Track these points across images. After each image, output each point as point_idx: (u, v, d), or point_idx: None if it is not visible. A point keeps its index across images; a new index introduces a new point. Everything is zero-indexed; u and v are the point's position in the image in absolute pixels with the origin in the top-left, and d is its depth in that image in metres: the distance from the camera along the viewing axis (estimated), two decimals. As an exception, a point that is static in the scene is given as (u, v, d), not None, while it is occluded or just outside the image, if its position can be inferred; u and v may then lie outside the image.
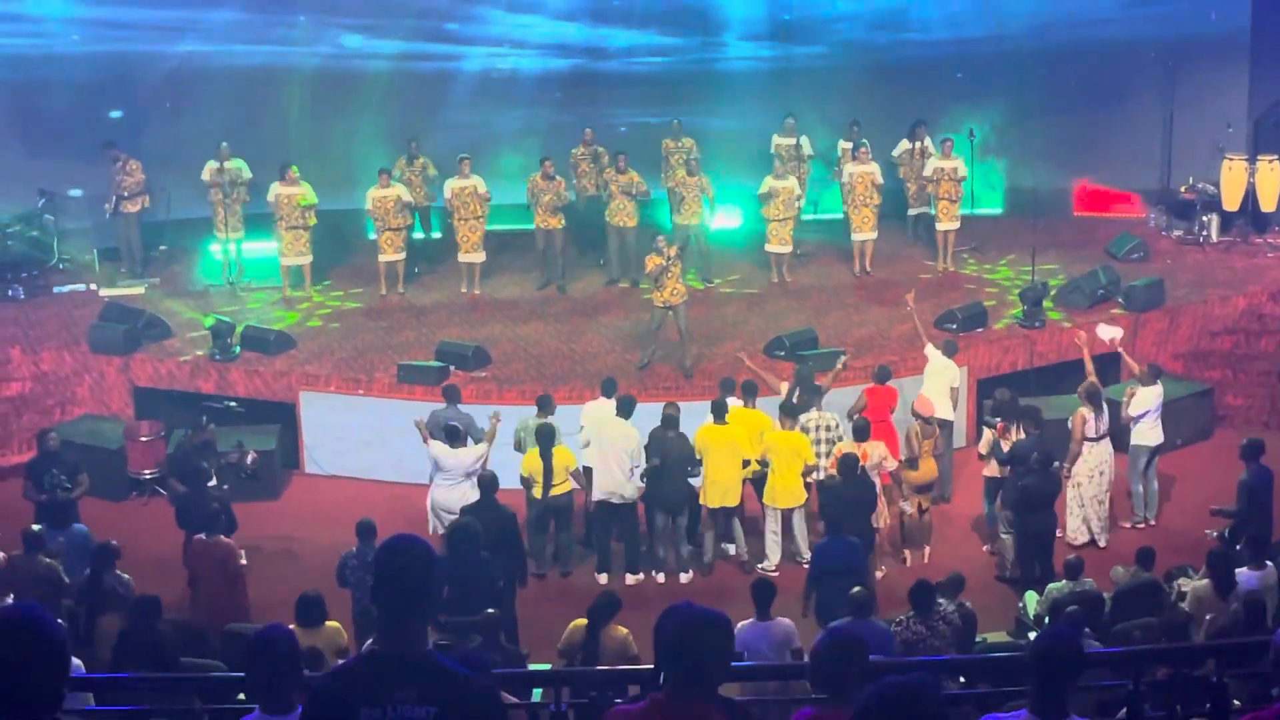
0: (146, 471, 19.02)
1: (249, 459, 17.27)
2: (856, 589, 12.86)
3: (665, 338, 20.09)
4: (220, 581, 14.73)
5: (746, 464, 16.86)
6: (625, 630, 12.40)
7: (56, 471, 16.50)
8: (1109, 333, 19.13)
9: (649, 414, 17.19)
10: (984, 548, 17.59)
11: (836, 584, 13.74)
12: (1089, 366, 17.82)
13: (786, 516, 16.88)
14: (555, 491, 16.65)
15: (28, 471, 16.91)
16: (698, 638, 5.44)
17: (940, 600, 12.74)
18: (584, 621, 12.40)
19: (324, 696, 5.19)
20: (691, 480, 16.98)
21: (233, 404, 19.95)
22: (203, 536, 14.86)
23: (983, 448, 17.35)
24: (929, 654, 12.02)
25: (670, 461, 16.68)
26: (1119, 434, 17.58)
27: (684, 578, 16.96)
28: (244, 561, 14.86)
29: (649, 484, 16.89)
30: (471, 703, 5.05)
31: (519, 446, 17.15)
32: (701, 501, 16.92)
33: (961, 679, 11.27)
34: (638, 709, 5.54)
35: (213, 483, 16.61)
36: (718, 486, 16.73)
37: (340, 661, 12.22)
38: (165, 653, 11.81)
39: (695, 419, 17.04)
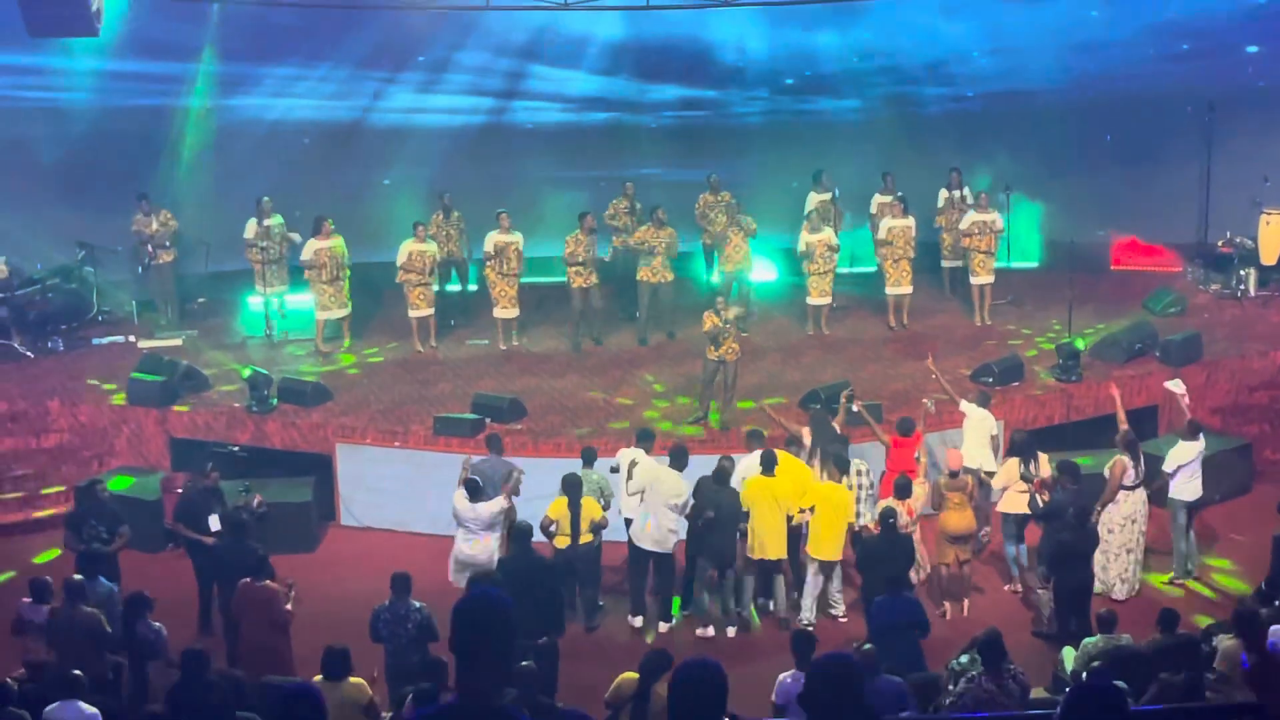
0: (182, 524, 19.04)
1: (255, 502, 17.28)
2: (865, 646, 12.85)
3: (718, 391, 20.09)
4: (265, 628, 14.65)
5: (790, 517, 16.81)
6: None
7: (95, 523, 16.53)
8: (1177, 387, 19.04)
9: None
10: (1006, 587, 17.56)
11: (899, 639, 13.73)
12: (1121, 417, 17.80)
13: (828, 570, 16.81)
14: (566, 544, 16.59)
15: (67, 521, 16.94)
16: (704, 692, 5.56)
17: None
18: (634, 675, 12.35)
19: None
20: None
21: (236, 449, 20.01)
22: (248, 581, 14.82)
23: (999, 481, 17.34)
24: (999, 712, 11.88)
25: (722, 514, 16.64)
26: (1156, 488, 17.56)
27: (730, 631, 16.90)
28: (290, 607, 14.79)
29: (698, 535, 16.83)
30: None
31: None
32: (749, 554, 16.84)
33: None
34: None
35: (218, 528, 16.72)
36: (762, 538, 16.66)
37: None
38: (219, 705, 11.83)
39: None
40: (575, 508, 16.53)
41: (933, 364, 19.14)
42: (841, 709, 5.59)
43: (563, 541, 16.61)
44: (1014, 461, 17.32)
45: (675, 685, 5.67)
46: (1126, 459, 17.01)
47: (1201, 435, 17.77)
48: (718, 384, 19.90)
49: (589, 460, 17.41)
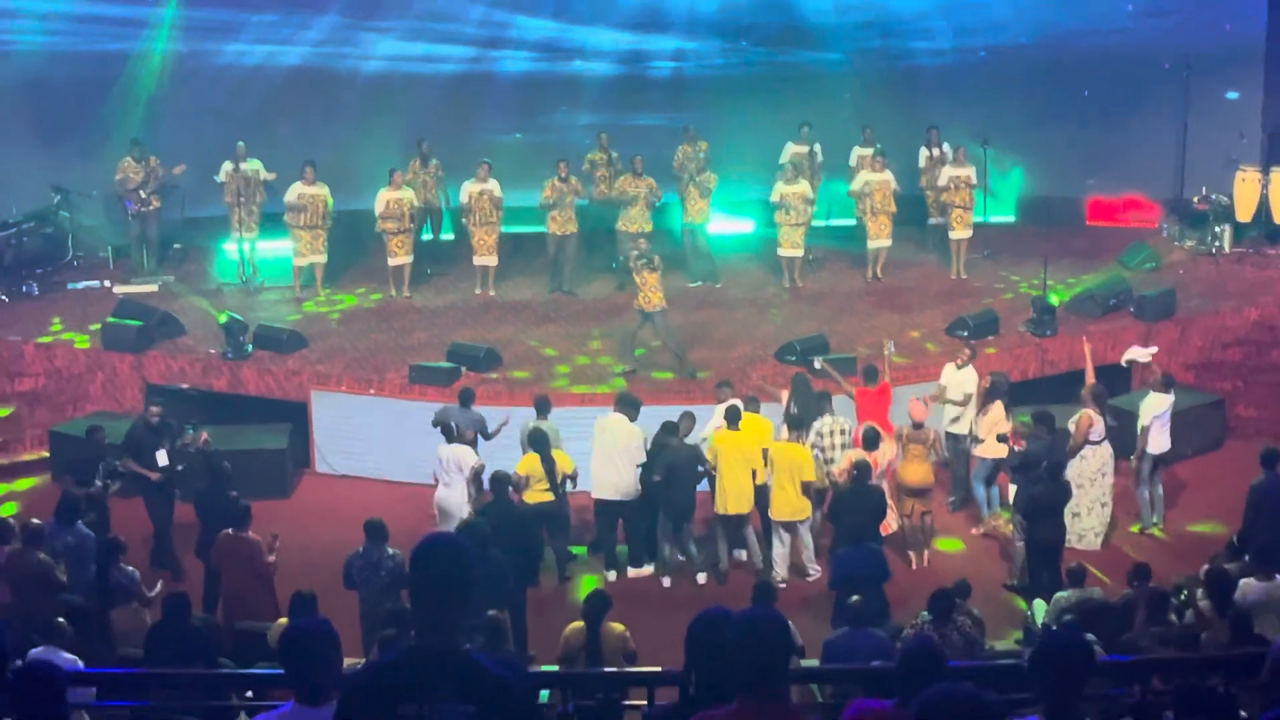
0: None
1: (201, 440, 17.32)
2: (854, 598, 12.93)
3: (644, 341, 20.15)
4: (247, 579, 14.67)
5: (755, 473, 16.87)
6: (621, 627, 12.44)
7: (111, 460, 16.67)
8: (1141, 354, 19.08)
9: (654, 416, 17.30)
10: (973, 530, 17.74)
11: (861, 592, 13.82)
12: (1090, 371, 17.90)
13: (791, 529, 16.87)
14: (535, 498, 16.62)
15: (71, 466, 16.82)
16: (772, 641, 5.57)
17: (956, 607, 12.73)
18: (580, 624, 12.42)
19: (360, 691, 5.22)
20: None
21: (185, 387, 19.96)
22: (230, 532, 14.83)
23: (992, 428, 17.44)
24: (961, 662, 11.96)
25: (674, 468, 16.67)
26: (1125, 440, 17.70)
27: (701, 578, 16.93)
28: (272, 559, 14.81)
29: (654, 491, 16.88)
30: (510, 703, 5.08)
31: (525, 448, 17.17)
32: (715, 509, 16.88)
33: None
34: (719, 716, 5.61)
35: (165, 464, 16.91)
36: (730, 494, 16.68)
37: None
38: (200, 648, 11.86)
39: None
40: (549, 461, 16.53)
41: (891, 348, 18.97)
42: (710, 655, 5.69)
43: (540, 496, 16.61)
44: (999, 405, 17.37)
45: (742, 626, 5.70)
46: (1092, 413, 17.11)
47: (1172, 390, 17.86)
48: (647, 337, 19.90)
49: (543, 410, 17.41)
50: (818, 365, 18.56)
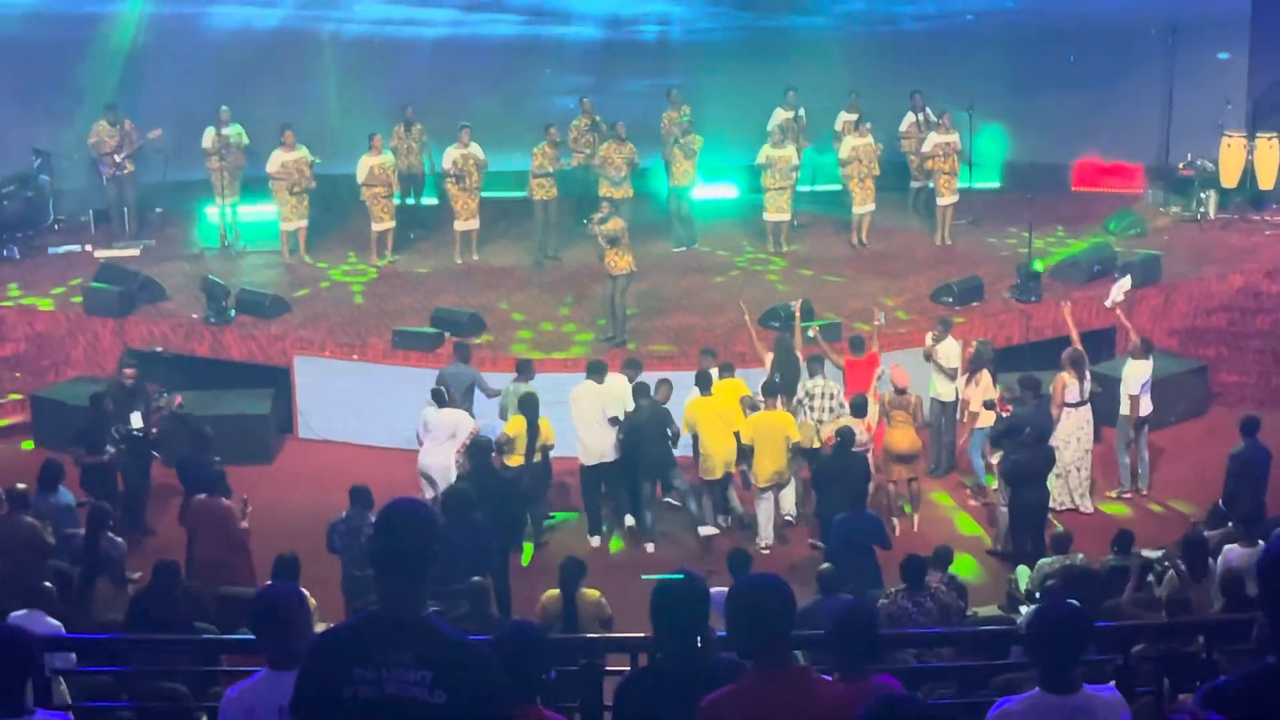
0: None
1: (175, 403, 17.33)
2: (824, 566, 12.93)
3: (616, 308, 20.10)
4: (221, 543, 14.63)
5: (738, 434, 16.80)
6: (597, 593, 12.44)
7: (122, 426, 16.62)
8: (1120, 291, 19.05)
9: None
10: (971, 500, 17.78)
11: (858, 558, 13.83)
12: (1074, 336, 17.89)
13: (775, 490, 16.86)
14: (515, 462, 16.55)
15: (80, 434, 16.71)
16: (781, 607, 5.63)
17: (931, 576, 12.72)
18: (556, 592, 12.42)
19: (319, 654, 5.20)
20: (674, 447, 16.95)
21: (160, 350, 19.93)
22: (203, 497, 14.79)
23: (981, 396, 17.45)
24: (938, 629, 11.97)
25: (642, 427, 16.62)
26: (1108, 405, 17.74)
27: (706, 530, 16.78)
28: (245, 525, 14.79)
29: (628, 454, 16.84)
30: (469, 670, 5.06)
31: (503, 414, 17.13)
32: (702, 475, 16.84)
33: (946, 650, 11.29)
34: (734, 688, 5.63)
35: (139, 426, 16.96)
36: (711, 459, 16.67)
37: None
38: (187, 615, 11.83)
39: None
40: (533, 428, 16.50)
41: (880, 316, 18.98)
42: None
43: (516, 460, 16.57)
44: (985, 373, 17.37)
45: (734, 594, 5.72)
46: (1068, 376, 17.18)
47: (1151, 355, 17.89)
48: (615, 303, 19.87)
49: (524, 373, 17.38)
50: (811, 335, 18.52)
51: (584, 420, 16.87)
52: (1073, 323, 18.14)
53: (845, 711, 5.51)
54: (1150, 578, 13.05)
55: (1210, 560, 13.05)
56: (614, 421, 16.82)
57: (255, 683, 6.29)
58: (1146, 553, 13.93)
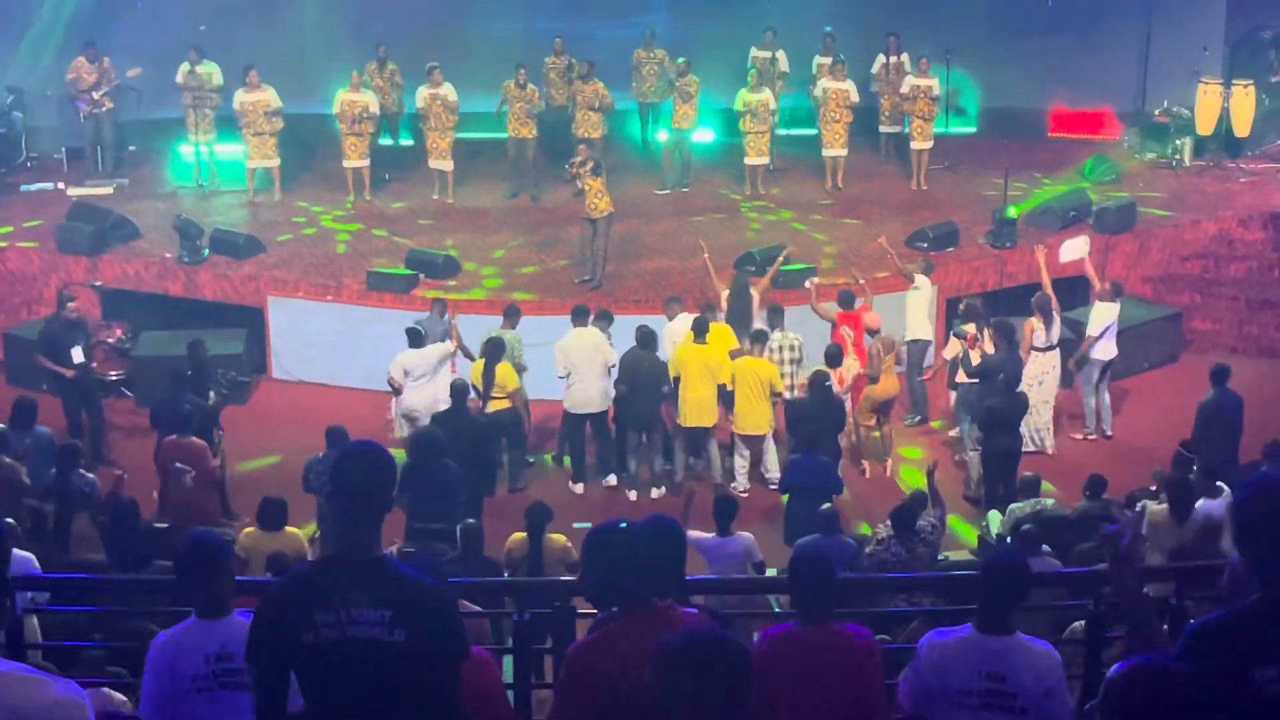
0: (113, 373, 18.97)
1: (116, 335, 17.52)
2: (826, 505, 12.98)
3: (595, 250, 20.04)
4: (194, 483, 14.66)
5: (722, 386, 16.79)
6: (563, 538, 12.48)
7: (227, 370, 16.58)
8: (1075, 250, 19.09)
9: (623, 326, 17.26)
10: (956, 457, 17.73)
11: (808, 502, 13.84)
12: (1045, 281, 17.92)
13: (755, 442, 16.87)
14: (493, 407, 16.53)
15: (183, 380, 16.25)
16: (628, 549, 5.60)
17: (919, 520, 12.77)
18: (522, 535, 12.45)
19: (277, 599, 5.22)
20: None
21: (99, 284, 19.82)
22: (174, 438, 14.77)
23: (947, 353, 17.52)
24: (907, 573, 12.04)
25: (641, 381, 16.61)
26: (1079, 358, 17.86)
27: (655, 493, 16.90)
28: (217, 462, 14.78)
29: (620, 404, 16.85)
30: (427, 608, 5.09)
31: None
32: (678, 420, 16.85)
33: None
34: (599, 633, 5.67)
35: (80, 360, 16.99)
36: (693, 405, 16.61)
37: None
38: (152, 553, 11.84)
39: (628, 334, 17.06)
40: (489, 374, 16.45)
41: (885, 243, 19.02)
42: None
43: (498, 404, 16.53)
44: (972, 327, 17.37)
45: (585, 544, 5.72)
46: (1036, 320, 17.27)
47: (1119, 300, 17.97)
48: (595, 245, 19.85)
49: (512, 317, 17.37)
50: (808, 285, 18.48)
51: (576, 367, 16.78)
52: (1045, 268, 18.17)
53: None
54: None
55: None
56: (611, 370, 16.80)
57: (183, 629, 6.33)
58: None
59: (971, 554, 14.31)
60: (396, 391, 16.74)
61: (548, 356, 17.00)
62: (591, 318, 17.04)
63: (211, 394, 15.98)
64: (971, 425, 16.89)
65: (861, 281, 18.41)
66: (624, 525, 5.73)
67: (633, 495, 16.97)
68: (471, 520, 12.65)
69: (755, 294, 17.92)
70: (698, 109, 23.27)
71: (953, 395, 17.86)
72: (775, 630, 6.83)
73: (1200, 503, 13.00)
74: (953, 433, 18.03)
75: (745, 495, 16.30)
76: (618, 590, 5.58)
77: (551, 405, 17.46)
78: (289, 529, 12.87)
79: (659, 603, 5.58)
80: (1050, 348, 17.39)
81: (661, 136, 23.99)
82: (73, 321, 17.29)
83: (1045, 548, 11.97)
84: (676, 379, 16.65)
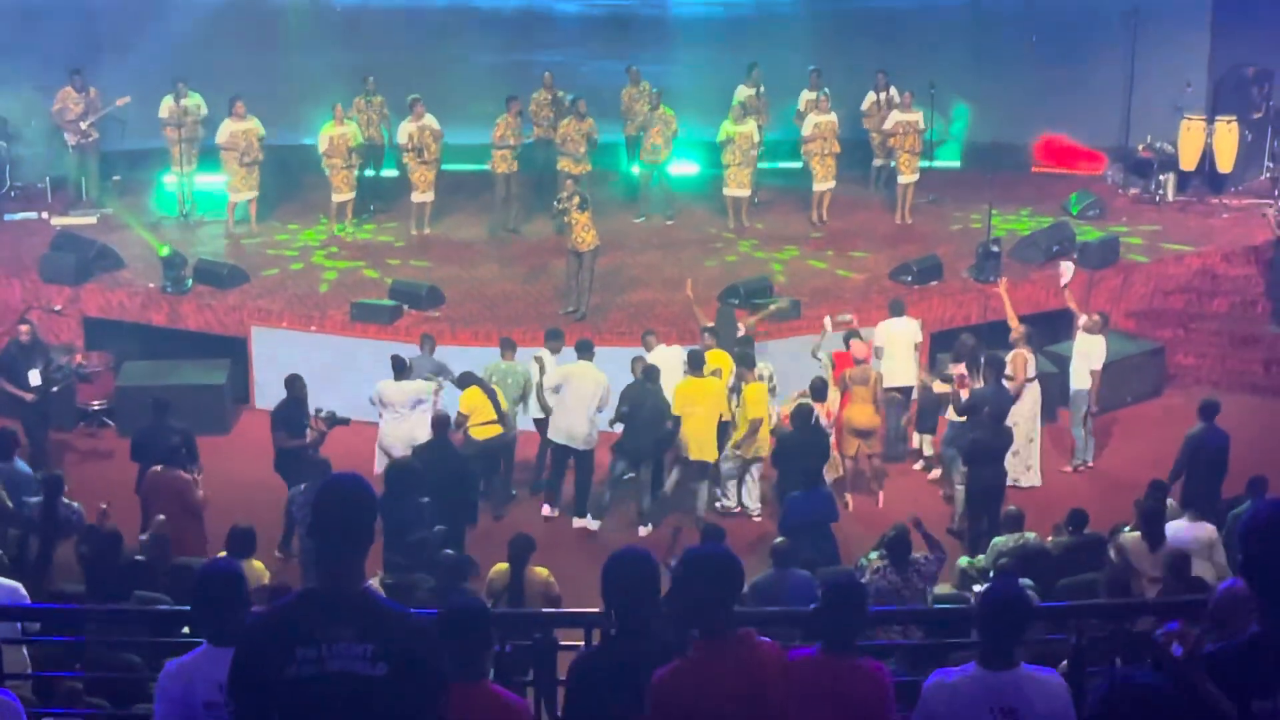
0: (95, 403, 18.95)
1: (75, 361, 17.77)
2: (778, 540, 12.95)
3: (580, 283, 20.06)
4: (177, 515, 14.50)
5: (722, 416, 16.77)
6: (545, 571, 12.44)
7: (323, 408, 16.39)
8: (1069, 272, 19.15)
9: (605, 358, 17.26)
10: (943, 491, 17.70)
11: (810, 536, 13.83)
12: (1010, 313, 17.94)
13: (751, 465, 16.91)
14: (486, 434, 16.54)
15: (283, 420, 16.35)
16: (722, 576, 5.70)
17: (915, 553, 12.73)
18: (505, 566, 12.43)
19: (257, 634, 5.18)
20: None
21: (58, 309, 19.74)
22: (158, 468, 14.71)
23: (925, 380, 17.54)
24: (900, 605, 12.02)
25: (645, 415, 16.58)
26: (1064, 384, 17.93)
27: (642, 531, 16.78)
28: (202, 494, 14.73)
29: (623, 435, 16.81)
30: (410, 641, 5.06)
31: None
32: (684, 454, 16.75)
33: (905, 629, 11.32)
34: (682, 661, 5.71)
35: (38, 383, 17.11)
36: (696, 440, 16.58)
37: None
38: (134, 584, 11.78)
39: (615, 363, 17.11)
40: (490, 392, 16.44)
41: (829, 320, 18.95)
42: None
43: (489, 431, 16.52)
44: (957, 367, 17.35)
45: (605, 572, 5.75)
46: (1027, 353, 17.29)
47: (1105, 330, 18.06)
48: (580, 278, 19.85)
49: (509, 349, 17.34)
50: (828, 325, 18.39)
51: (566, 401, 16.75)
52: (1009, 302, 18.17)
53: (786, 674, 5.81)
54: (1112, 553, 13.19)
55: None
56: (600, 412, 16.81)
57: (194, 658, 6.30)
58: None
59: (953, 588, 14.29)
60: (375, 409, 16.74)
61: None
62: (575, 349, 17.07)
63: (309, 431, 15.95)
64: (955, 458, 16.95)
65: (849, 318, 18.44)
66: (724, 550, 5.81)
67: (643, 531, 16.80)
68: (449, 551, 12.62)
69: (742, 326, 17.92)
70: (674, 142, 23.31)
71: (915, 434, 17.89)
72: (800, 653, 6.79)
73: (1182, 528, 13.05)
74: (932, 475, 18.01)
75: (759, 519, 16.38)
76: (708, 615, 5.61)
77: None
78: (255, 561, 12.74)
79: (739, 630, 5.63)
80: (1034, 378, 17.42)
81: (636, 170, 24.03)
82: (29, 345, 17.33)
83: (1027, 581, 11.96)
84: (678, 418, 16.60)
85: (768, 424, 16.71)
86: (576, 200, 19.61)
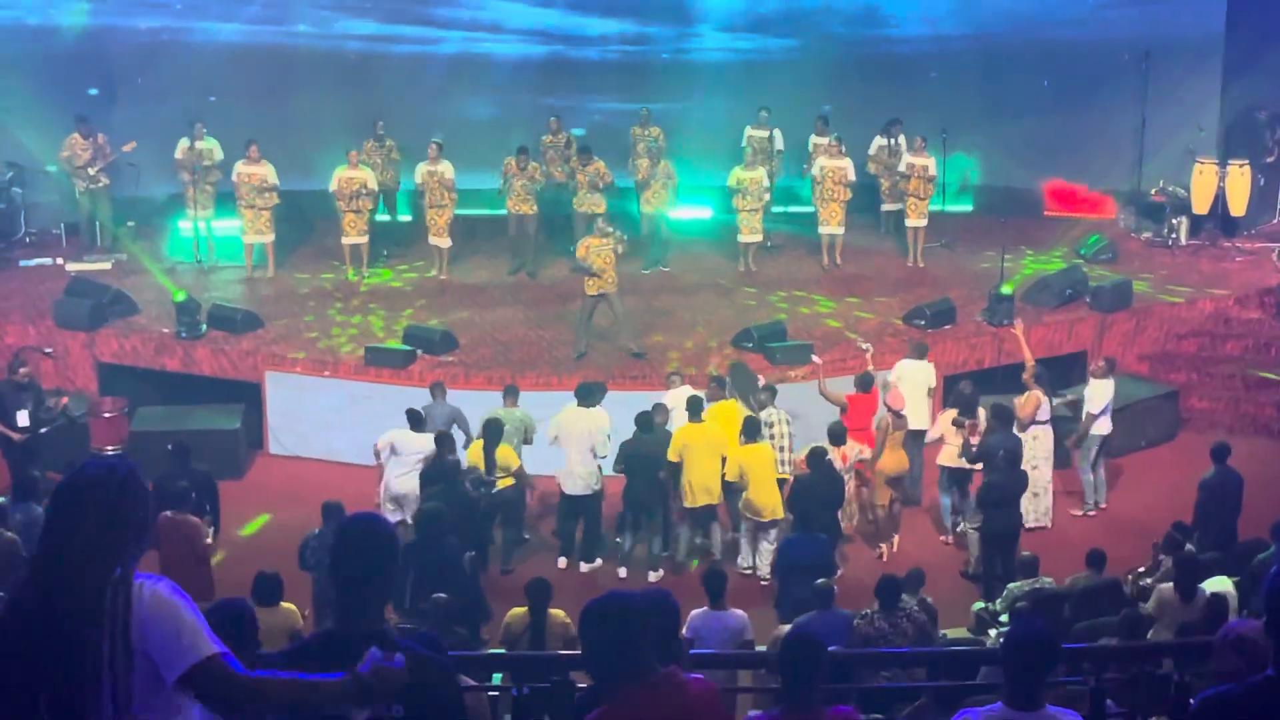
0: (109, 447, 18.94)
1: (62, 404, 17.94)
2: (821, 580, 12.92)
3: (598, 325, 20.09)
4: (187, 560, 14.51)
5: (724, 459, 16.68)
6: (564, 614, 12.43)
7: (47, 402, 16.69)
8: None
9: (614, 402, 17.26)
10: (941, 538, 17.64)
11: (804, 580, 13.78)
12: (1027, 353, 17.93)
13: (764, 526, 16.80)
14: (504, 483, 16.51)
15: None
16: (626, 620, 5.49)
17: (904, 597, 12.71)
18: (522, 610, 12.41)
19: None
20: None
21: (48, 351, 19.84)
22: (169, 513, 14.71)
23: (934, 433, 17.48)
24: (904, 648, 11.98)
25: (636, 464, 16.57)
26: (1081, 434, 17.85)
27: (652, 576, 16.74)
28: (209, 541, 14.74)
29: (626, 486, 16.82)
30: (430, 681, 5.04)
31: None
32: (683, 503, 16.72)
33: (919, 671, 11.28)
34: (608, 706, 5.55)
35: (25, 424, 17.29)
36: (697, 486, 16.52)
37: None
38: None
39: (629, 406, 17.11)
40: (489, 456, 16.43)
41: (863, 345, 18.95)
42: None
43: (499, 483, 16.49)
44: (950, 413, 17.33)
45: (582, 618, 5.66)
46: (1039, 394, 17.26)
47: (1113, 374, 18.04)
48: (607, 319, 19.83)
49: (511, 396, 17.35)
50: (815, 360, 18.40)
51: (568, 446, 16.76)
52: (1025, 343, 18.19)
53: (718, 709, 5.69)
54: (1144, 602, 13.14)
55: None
56: (598, 457, 16.79)
57: None
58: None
59: (969, 631, 14.27)
60: (376, 456, 16.71)
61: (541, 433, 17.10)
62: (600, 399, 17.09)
63: (470, 489, 15.86)
64: (951, 498, 16.97)
65: (865, 345, 18.43)
66: (619, 596, 5.66)
67: (622, 573, 16.84)
68: (440, 595, 12.64)
69: (762, 378, 17.89)
70: (675, 190, 23.40)
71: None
72: (758, 718, 6.77)
73: (1207, 582, 12.99)
74: (942, 539, 17.96)
75: (767, 582, 16.33)
76: (619, 662, 5.52)
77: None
78: (284, 605, 12.79)
79: (662, 669, 5.53)
80: (1047, 420, 17.41)
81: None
82: (23, 384, 17.51)
83: (1043, 624, 11.90)
84: (677, 464, 16.53)
85: (768, 488, 16.52)
86: (610, 240, 19.64)
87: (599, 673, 5.66)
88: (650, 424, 16.66)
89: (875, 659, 11.44)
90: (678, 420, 16.90)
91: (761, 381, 17.99)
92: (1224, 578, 13.32)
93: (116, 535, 4.81)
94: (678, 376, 17.81)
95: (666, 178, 23.17)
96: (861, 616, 12.43)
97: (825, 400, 17.63)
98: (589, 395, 17.04)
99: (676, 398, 17.20)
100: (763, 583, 16.30)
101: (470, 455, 16.54)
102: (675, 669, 5.63)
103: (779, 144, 24.20)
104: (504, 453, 16.50)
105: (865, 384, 17.74)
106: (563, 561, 16.98)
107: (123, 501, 4.86)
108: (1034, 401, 17.23)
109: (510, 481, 16.59)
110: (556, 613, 12.43)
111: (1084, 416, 17.84)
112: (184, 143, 22.93)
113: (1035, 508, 17.07)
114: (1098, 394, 17.80)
